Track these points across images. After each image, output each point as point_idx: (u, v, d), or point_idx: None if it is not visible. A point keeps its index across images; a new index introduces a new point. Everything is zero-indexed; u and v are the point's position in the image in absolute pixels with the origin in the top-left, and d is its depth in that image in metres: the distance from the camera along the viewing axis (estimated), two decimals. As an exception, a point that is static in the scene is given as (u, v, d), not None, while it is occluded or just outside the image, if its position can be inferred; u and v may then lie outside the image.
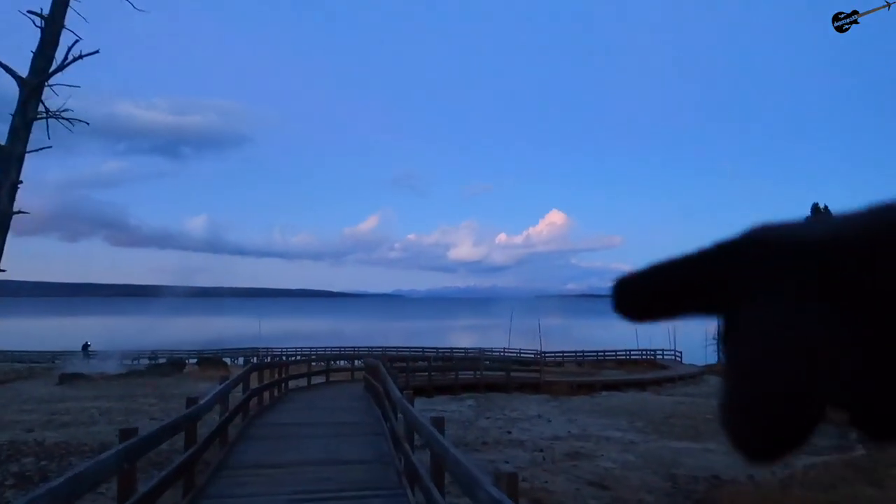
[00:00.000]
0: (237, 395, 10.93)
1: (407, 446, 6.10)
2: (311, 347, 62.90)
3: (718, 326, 0.27)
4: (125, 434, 4.39)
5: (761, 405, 0.30)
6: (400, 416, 6.81)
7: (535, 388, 27.60)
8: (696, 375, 38.01)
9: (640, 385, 32.42)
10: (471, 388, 25.39)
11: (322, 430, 9.64)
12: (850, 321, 0.29)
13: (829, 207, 47.76)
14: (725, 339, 0.33)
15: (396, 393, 6.52)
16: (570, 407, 21.56)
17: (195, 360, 45.59)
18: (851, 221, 0.29)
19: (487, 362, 29.41)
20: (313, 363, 21.84)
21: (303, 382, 19.90)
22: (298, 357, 56.88)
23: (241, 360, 58.72)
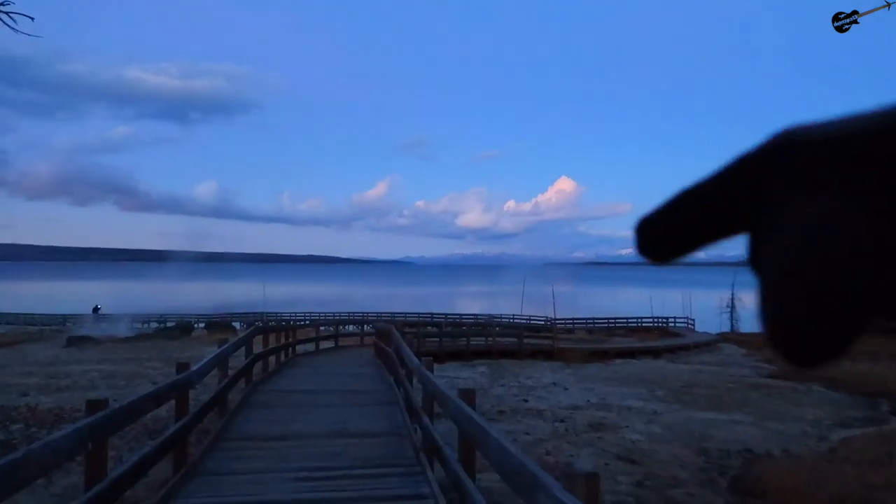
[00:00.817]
0: (242, 359, 10.32)
1: (426, 418, 5.38)
2: (319, 313, 62.62)
3: (750, 247, 0.26)
4: (92, 407, 3.65)
5: (806, 307, 0.29)
6: (417, 384, 6.10)
7: (547, 355, 27.02)
8: (711, 343, 37.34)
9: (655, 353, 31.79)
10: (482, 354, 24.81)
11: (331, 398, 9.00)
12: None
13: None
14: (756, 251, 0.32)
15: (414, 359, 5.77)
16: (585, 375, 20.94)
17: (203, 324, 45.36)
18: (890, 115, 0.29)
19: (499, 329, 28.73)
20: (322, 328, 21.21)
21: (311, 347, 19.35)
22: (307, 321, 56.98)
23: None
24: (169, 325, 45.98)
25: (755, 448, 10.51)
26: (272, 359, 13.14)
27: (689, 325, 51.11)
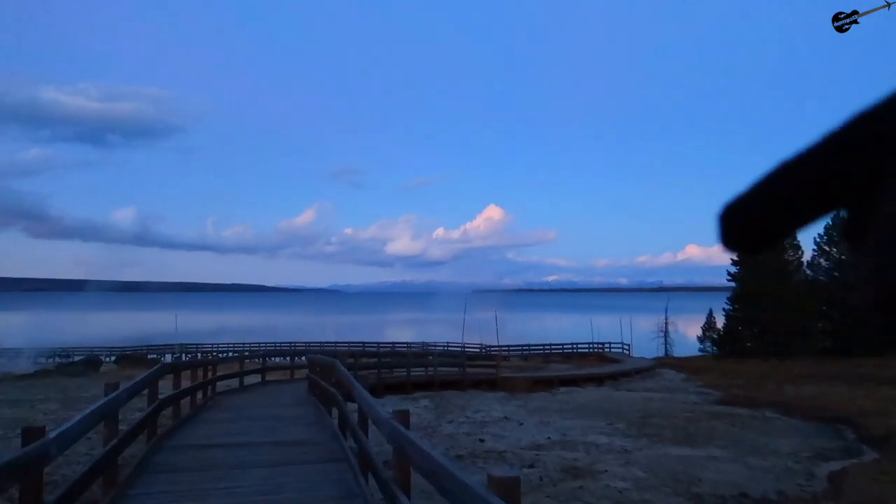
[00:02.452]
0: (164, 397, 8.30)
1: (402, 497, 3.76)
2: (244, 343, 59.38)
3: (854, 219, 0.24)
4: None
5: None
6: (390, 447, 4.44)
7: (491, 385, 25.60)
8: (650, 369, 36.87)
9: (598, 380, 30.90)
10: (423, 386, 23.14)
11: (259, 453, 7.07)
12: None
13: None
14: (862, 223, 0.30)
15: (378, 412, 4.10)
16: (535, 406, 19.56)
17: (113, 358, 41.74)
18: None
19: (440, 358, 27.13)
20: (247, 360, 19.03)
21: (235, 383, 17.21)
22: (231, 353, 53.66)
23: (168, 356, 54.87)
24: (74, 359, 42.09)
25: (750, 491, 9.29)
26: (187, 401, 11.10)
27: (625, 351, 50.86)
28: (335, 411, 9.82)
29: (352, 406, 8.03)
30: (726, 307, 47.93)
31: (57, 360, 42.64)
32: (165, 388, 9.33)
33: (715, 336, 49.29)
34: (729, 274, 47.93)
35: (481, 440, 12.74)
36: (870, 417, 16.89)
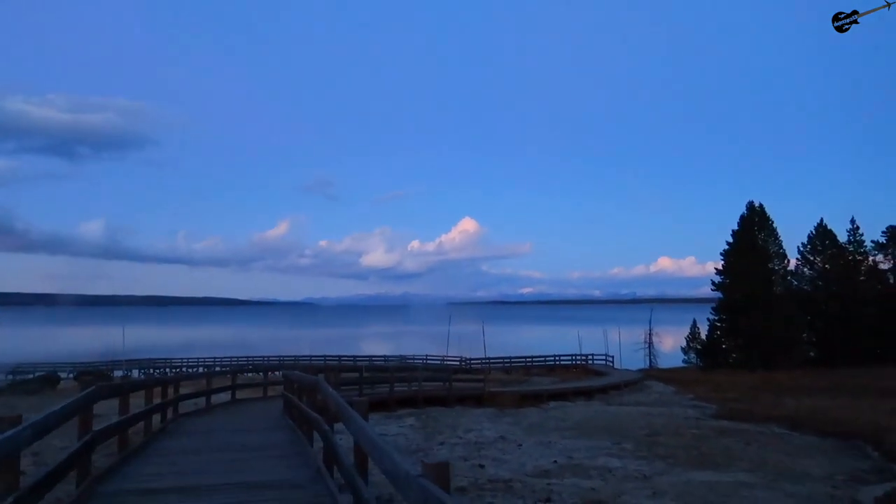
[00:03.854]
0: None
1: None
2: (215, 357, 57.20)
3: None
4: None
5: None
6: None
7: (477, 400, 24.15)
8: (637, 381, 35.72)
9: (587, 393, 29.63)
10: (407, 402, 21.60)
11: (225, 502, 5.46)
12: None
13: (763, 205, 46.99)
14: None
15: (398, 463, 2.63)
16: (530, 424, 18.14)
17: (73, 375, 39.43)
18: None
19: (426, 372, 25.62)
20: (215, 377, 17.32)
21: (202, 401, 15.52)
22: (201, 368, 51.43)
23: (136, 371, 52.55)
24: (28, 376, 39.64)
25: (804, 527, 7.96)
26: (142, 426, 9.45)
27: (609, 363, 49.69)
28: (317, 438, 8.29)
29: (335, 426, 6.55)
30: (711, 317, 47.15)
31: (10, 377, 40.14)
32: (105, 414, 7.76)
33: (699, 347, 48.47)
34: (713, 283, 47.15)
35: (481, 466, 11.28)
36: (888, 433, 15.76)
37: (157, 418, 10.87)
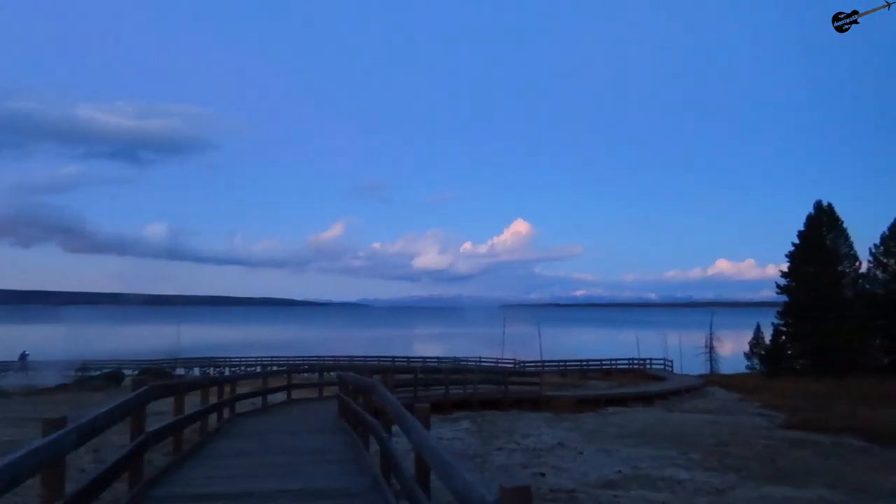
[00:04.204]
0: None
1: None
2: (272, 357, 58.15)
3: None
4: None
5: None
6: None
7: (534, 404, 23.64)
8: (699, 387, 34.50)
9: (647, 399, 28.74)
10: (462, 405, 21.25)
11: None
12: None
13: (832, 204, 44.88)
14: None
15: (468, 482, 2.31)
16: (589, 430, 17.55)
17: (136, 372, 40.55)
18: None
19: (482, 375, 25.23)
20: (271, 377, 17.34)
21: (258, 401, 15.54)
22: (258, 368, 52.35)
23: (196, 370, 53.92)
24: (93, 373, 40.97)
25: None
26: (197, 426, 9.37)
27: (668, 367, 48.35)
28: (373, 442, 8.02)
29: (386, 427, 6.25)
30: (775, 321, 45.22)
31: (77, 374, 41.64)
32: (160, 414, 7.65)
33: (762, 352, 46.54)
34: (778, 286, 45.18)
35: (541, 474, 10.83)
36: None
37: (213, 418, 10.82)
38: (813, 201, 45.08)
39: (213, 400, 10.48)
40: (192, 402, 10.83)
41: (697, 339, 55.17)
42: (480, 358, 54.47)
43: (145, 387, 5.49)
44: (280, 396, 17.17)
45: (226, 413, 11.89)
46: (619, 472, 11.36)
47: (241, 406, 14.55)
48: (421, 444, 3.47)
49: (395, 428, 6.39)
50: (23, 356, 55.69)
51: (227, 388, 11.99)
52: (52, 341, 62.86)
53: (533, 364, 49.49)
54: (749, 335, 48.33)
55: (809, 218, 44.34)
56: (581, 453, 13.38)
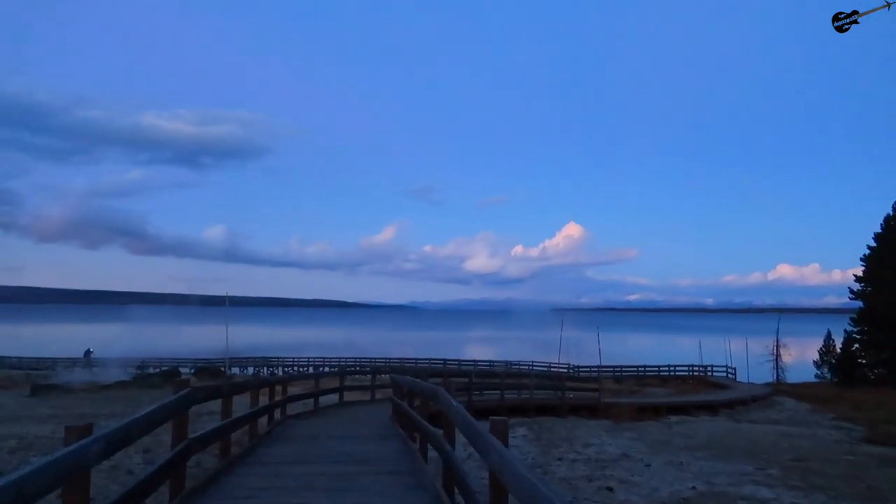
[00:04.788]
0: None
1: None
2: (324, 357, 58.45)
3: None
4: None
5: None
6: None
7: (592, 411, 22.73)
8: (766, 397, 32.79)
9: (711, 408, 27.37)
10: (518, 411, 20.53)
11: None
12: None
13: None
14: None
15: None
16: (654, 440, 16.59)
17: (192, 370, 41.18)
18: None
19: (538, 380, 24.46)
20: (323, 378, 16.99)
21: (307, 402, 15.18)
22: (311, 368, 52.64)
23: (250, 370, 54.64)
24: (150, 371, 41.80)
25: None
26: (246, 430, 8.96)
27: (730, 375, 46.37)
28: (431, 449, 7.44)
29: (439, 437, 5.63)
30: (848, 328, 42.86)
31: (136, 371, 42.63)
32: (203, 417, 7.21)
33: (833, 361, 44.17)
34: (851, 292, 42.81)
35: (609, 489, 10.05)
36: None
37: (264, 420, 10.43)
38: (891, 202, 42.52)
39: (263, 402, 10.09)
40: (244, 402, 10.50)
41: (760, 346, 52.80)
42: (533, 362, 53.48)
43: (188, 389, 5.05)
44: (332, 398, 16.81)
45: (277, 414, 11.51)
46: (693, 488, 10.48)
47: (293, 408, 14.22)
48: (503, 466, 2.85)
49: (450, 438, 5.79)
50: (87, 353, 57.52)
51: (278, 389, 11.61)
52: (115, 339, 64.78)
53: (587, 369, 48.21)
54: (814, 342, 45.92)
55: (887, 220, 41.83)
56: (648, 466, 12.52)
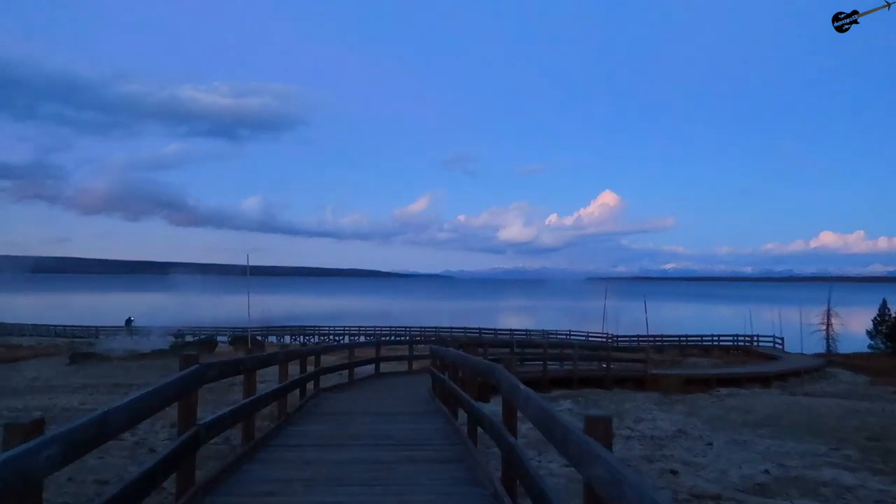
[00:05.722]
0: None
1: None
2: (360, 326, 58.27)
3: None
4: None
5: None
6: None
7: (638, 383, 21.73)
8: (818, 368, 31.32)
9: (763, 380, 26.15)
10: (561, 383, 19.65)
11: None
12: None
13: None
14: None
15: None
16: (710, 416, 15.55)
17: (227, 339, 41.20)
18: None
19: (581, 350, 23.48)
20: (358, 349, 16.28)
21: (343, 372, 14.49)
22: (347, 337, 52.50)
23: (287, 338, 54.77)
24: (187, 339, 41.95)
25: None
26: (284, 401, 8.20)
27: (777, 345, 44.73)
28: (478, 431, 6.59)
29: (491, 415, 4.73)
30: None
31: (189, 338, 42.96)
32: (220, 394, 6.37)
33: (887, 331, 42.19)
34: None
35: (672, 472, 9.10)
36: None
37: (297, 392, 9.70)
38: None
39: (294, 374, 9.33)
40: (277, 372, 9.76)
41: (806, 315, 50.83)
42: (570, 332, 52.52)
43: (196, 365, 4.18)
44: (368, 369, 16.11)
45: (311, 385, 10.79)
46: (766, 471, 9.46)
47: (328, 379, 13.54)
48: (622, 489, 1.91)
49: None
50: (128, 322, 58.37)
51: (311, 360, 10.86)
52: (156, 308, 65.56)
53: (626, 339, 47.06)
54: (862, 312, 43.92)
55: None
56: (710, 445, 11.52)
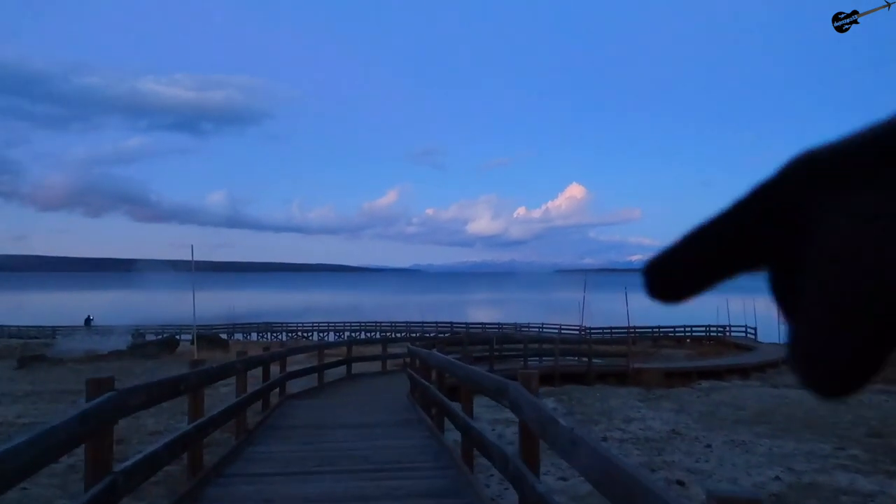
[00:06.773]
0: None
1: None
2: (328, 322, 56.84)
3: (776, 279, 0.25)
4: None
5: (842, 327, 0.28)
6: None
7: (620, 378, 21.07)
8: (794, 358, 31.14)
9: (742, 371, 25.71)
10: (543, 379, 18.72)
11: None
12: None
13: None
14: (783, 282, 0.31)
15: None
16: (700, 412, 14.88)
17: (189, 339, 39.54)
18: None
19: (563, 345, 22.74)
20: (327, 349, 15.20)
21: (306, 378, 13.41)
22: (315, 333, 51.15)
23: (254, 335, 53.08)
24: (148, 339, 40.21)
25: None
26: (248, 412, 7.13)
27: (750, 335, 44.70)
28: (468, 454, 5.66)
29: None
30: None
31: (151, 336, 41.19)
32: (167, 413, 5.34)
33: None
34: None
35: (680, 483, 8.27)
36: None
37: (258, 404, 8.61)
38: None
39: (254, 384, 8.26)
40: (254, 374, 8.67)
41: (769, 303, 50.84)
42: (542, 325, 51.89)
43: (111, 392, 3.09)
44: (339, 371, 15.05)
45: (269, 401, 9.70)
46: (778, 478, 8.71)
47: (295, 383, 12.46)
48: None
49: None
50: (88, 320, 56.26)
51: (272, 367, 9.76)
52: (118, 306, 63.32)
53: (599, 331, 46.60)
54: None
55: None
56: (709, 447, 10.77)
